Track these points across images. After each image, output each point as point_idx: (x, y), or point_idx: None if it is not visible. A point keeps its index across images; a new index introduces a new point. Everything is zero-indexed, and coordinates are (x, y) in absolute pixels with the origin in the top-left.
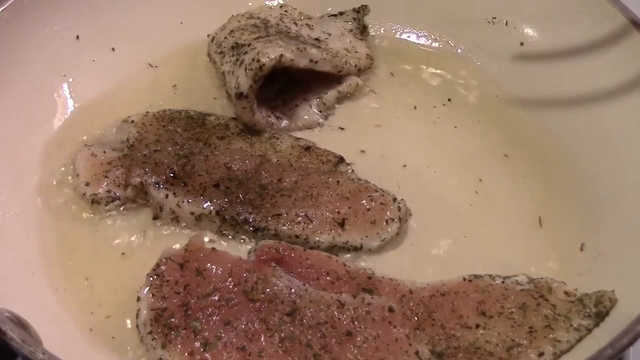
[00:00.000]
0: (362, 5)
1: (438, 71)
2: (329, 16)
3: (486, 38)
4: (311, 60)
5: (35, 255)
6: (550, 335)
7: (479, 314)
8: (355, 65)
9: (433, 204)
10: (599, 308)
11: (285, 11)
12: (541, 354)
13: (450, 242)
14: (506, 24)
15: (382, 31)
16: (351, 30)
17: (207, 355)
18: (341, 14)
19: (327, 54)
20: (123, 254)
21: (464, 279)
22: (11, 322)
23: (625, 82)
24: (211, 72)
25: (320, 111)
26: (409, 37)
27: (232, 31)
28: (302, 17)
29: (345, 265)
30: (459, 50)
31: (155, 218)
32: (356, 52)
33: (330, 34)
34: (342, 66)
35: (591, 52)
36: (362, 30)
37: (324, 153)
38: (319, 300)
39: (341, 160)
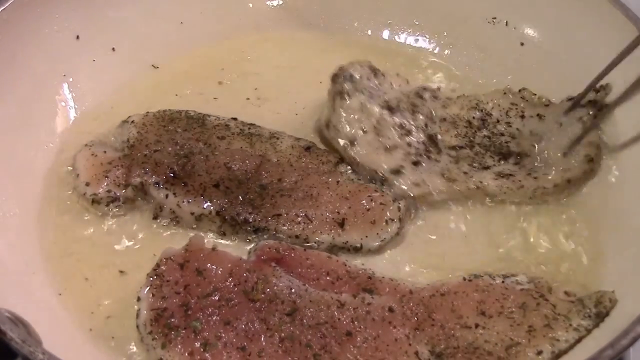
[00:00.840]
0: (602, 85)
1: (437, 71)
2: (569, 99)
3: (486, 38)
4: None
5: (36, 256)
6: (550, 335)
7: (478, 313)
8: (555, 185)
9: (433, 204)
10: (599, 308)
11: (522, 97)
12: (539, 353)
13: (451, 242)
14: (506, 24)
15: (381, 31)
16: (581, 119)
17: (207, 355)
18: (581, 98)
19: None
20: (123, 254)
21: (464, 279)
22: (11, 322)
23: (626, 81)
24: (211, 72)
25: None
26: (408, 37)
27: (445, 108)
28: (540, 104)
29: (345, 265)
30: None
31: (155, 218)
32: (572, 160)
33: (561, 125)
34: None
35: (591, 51)
36: (597, 114)
37: (324, 153)
38: (319, 300)
39: (341, 160)
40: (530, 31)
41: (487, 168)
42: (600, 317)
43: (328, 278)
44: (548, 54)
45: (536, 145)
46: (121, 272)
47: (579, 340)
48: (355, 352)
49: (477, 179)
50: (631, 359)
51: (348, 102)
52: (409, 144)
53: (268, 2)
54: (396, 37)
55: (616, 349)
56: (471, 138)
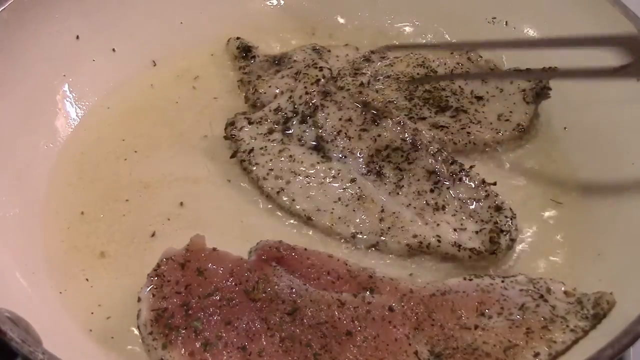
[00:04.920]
0: (551, 67)
1: None
2: (515, 70)
3: (486, 38)
4: None
5: (36, 255)
6: (547, 336)
7: (478, 314)
8: (485, 144)
9: None
10: (597, 310)
11: (469, 59)
12: (537, 354)
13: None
14: (506, 24)
15: (382, 30)
16: (523, 90)
17: (207, 355)
18: (528, 70)
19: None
20: (123, 253)
21: (464, 279)
22: (11, 322)
23: (626, 82)
24: (211, 72)
25: None
26: (408, 36)
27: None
28: (485, 67)
29: (346, 264)
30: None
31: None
32: (507, 120)
33: (502, 91)
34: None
35: (591, 51)
36: (540, 92)
37: None
38: (320, 300)
39: None
40: (530, 31)
41: (423, 119)
42: (597, 318)
43: (329, 277)
44: (548, 54)
45: (475, 104)
46: (121, 272)
47: (575, 341)
48: (355, 351)
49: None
50: (631, 359)
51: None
52: None
53: (268, 2)
54: (396, 37)
55: (616, 349)
56: (412, 92)
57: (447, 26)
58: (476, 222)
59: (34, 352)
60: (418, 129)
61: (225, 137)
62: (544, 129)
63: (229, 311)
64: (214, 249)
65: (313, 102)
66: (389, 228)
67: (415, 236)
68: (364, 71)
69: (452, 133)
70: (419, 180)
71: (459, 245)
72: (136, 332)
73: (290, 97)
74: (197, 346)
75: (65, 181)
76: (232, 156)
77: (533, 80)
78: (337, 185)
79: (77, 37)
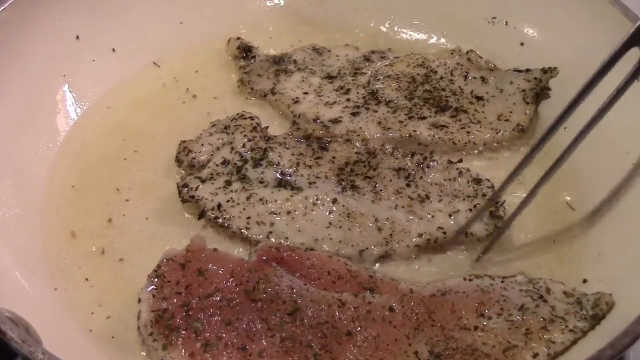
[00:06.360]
0: (551, 68)
1: None
2: (515, 70)
3: (486, 38)
4: None
5: (36, 255)
6: (546, 336)
7: (478, 315)
8: (484, 144)
9: None
10: (596, 311)
11: (469, 59)
12: (536, 355)
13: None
14: (506, 24)
15: (382, 31)
16: (523, 91)
17: (207, 355)
18: (528, 70)
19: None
20: (124, 254)
21: (464, 279)
22: (11, 322)
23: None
24: (211, 72)
25: None
26: (407, 37)
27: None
28: (485, 68)
29: (346, 264)
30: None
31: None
32: (507, 120)
33: (502, 91)
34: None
35: (591, 51)
36: (539, 93)
37: None
38: (320, 300)
39: None
40: (530, 31)
41: (423, 118)
42: (596, 319)
43: (329, 277)
44: (548, 54)
45: (475, 104)
46: (122, 272)
47: (574, 342)
48: (355, 351)
49: (411, 128)
50: (631, 359)
51: (291, 77)
52: (348, 99)
53: (268, 2)
54: (396, 37)
55: (616, 349)
56: (412, 92)
57: (447, 26)
58: (464, 199)
59: (34, 352)
60: (367, 137)
61: (184, 201)
62: (544, 129)
63: (229, 312)
64: (215, 250)
65: (259, 146)
66: (390, 235)
67: (420, 235)
68: (364, 71)
69: (451, 132)
70: (391, 180)
71: (466, 233)
72: (136, 332)
73: (232, 149)
74: (198, 347)
75: (65, 181)
76: (200, 217)
77: (533, 80)
78: (321, 210)
79: (77, 37)
